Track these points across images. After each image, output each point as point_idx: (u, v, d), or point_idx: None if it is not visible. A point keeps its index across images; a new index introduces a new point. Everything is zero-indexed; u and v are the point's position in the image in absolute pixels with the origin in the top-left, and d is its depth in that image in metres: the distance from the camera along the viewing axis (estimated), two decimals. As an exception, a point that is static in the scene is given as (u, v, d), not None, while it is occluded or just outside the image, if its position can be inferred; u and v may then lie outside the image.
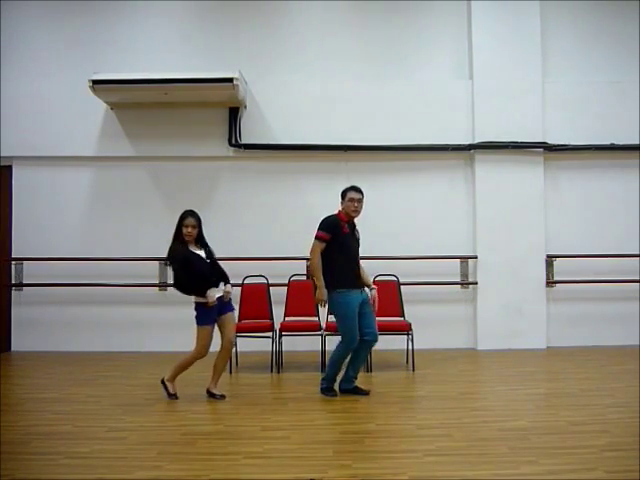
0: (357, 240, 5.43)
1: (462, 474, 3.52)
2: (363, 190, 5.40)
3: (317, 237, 5.24)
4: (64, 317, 7.68)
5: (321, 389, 5.36)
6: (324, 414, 4.82)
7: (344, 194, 5.35)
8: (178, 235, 5.29)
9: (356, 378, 5.40)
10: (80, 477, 3.52)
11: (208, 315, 5.14)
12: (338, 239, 5.23)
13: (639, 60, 7.90)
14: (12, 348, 7.75)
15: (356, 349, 5.29)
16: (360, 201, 5.33)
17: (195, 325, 5.18)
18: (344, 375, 5.39)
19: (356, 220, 5.45)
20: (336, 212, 5.38)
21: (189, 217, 5.28)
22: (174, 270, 5.21)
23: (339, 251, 5.23)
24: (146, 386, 5.69)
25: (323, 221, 5.30)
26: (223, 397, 5.24)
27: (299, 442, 4.12)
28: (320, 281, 5.20)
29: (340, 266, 5.21)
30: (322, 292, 5.19)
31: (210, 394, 5.26)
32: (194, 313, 5.18)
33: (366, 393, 5.32)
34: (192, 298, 5.18)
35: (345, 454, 3.87)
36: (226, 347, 5.27)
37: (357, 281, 5.32)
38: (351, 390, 5.34)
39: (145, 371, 6.51)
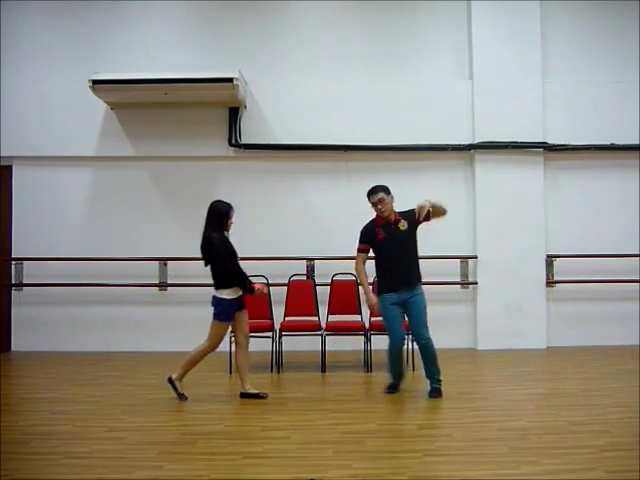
0: (403, 234, 5.34)
1: (462, 474, 3.52)
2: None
3: (357, 249, 5.43)
4: (64, 317, 7.68)
5: (390, 385, 5.45)
6: (324, 414, 4.82)
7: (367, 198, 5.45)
8: (221, 226, 5.32)
9: (437, 379, 5.30)
10: (80, 477, 3.52)
11: (230, 312, 5.22)
12: (374, 247, 5.36)
13: (639, 60, 7.90)
14: (12, 348, 7.75)
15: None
16: (381, 201, 5.33)
17: (211, 320, 5.25)
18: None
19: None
20: (374, 216, 5.47)
21: (233, 209, 5.41)
22: (223, 258, 5.19)
23: (377, 257, 5.38)
24: (146, 386, 5.69)
25: (361, 231, 5.46)
26: (266, 395, 5.28)
27: (299, 442, 4.12)
28: (365, 287, 5.38)
29: (380, 271, 5.37)
30: (369, 297, 5.34)
31: (248, 395, 5.24)
32: (212, 309, 5.25)
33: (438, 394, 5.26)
34: (215, 293, 5.23)
35: (345, 454, 3.87)
36: (245, 343, 5.34)
37: (397, 284, 5.28)
38: (434, 390, 5.31)
39: (145, 371, 6.51)
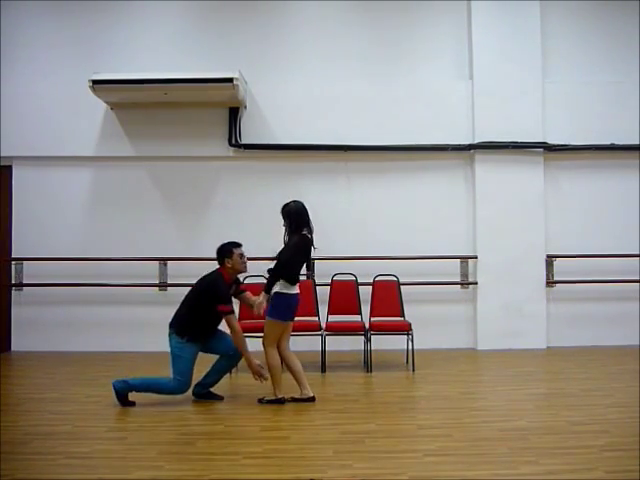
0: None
1: (462, 474, 3.52)
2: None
3: (229, 311, 5.07)
4: (64, 317, 7.68)
5: (122, 394, 5.07)
6: (324, 414, 4.81)
7: (230, 252, 5.24)
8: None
9: (211, 385, 5.32)
10: (80, 477, 3.52)
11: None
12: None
13: (639, 60, 7.91)
14: (12, 348, 7.75)
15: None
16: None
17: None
18: (202, 380, 5.30)
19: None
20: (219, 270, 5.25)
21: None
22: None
23: (209, 311, 5.11)
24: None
25: (223, 290, 5.14)
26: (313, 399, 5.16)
27: (299, 442, 4.12)
28: (252, 360, 5.09)
29: (200, 322, 5.16)
30: (255, 365, 5.08)
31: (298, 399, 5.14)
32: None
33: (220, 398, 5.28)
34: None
35: (345, 454, 3.87)
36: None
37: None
38: (204, 395, 5.29)
39: (145, 371, 6.48)
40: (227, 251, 5.25)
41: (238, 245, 5.33)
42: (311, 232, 5.20)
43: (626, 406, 4.87)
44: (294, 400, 5.12)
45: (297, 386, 5.19)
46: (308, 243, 5.18)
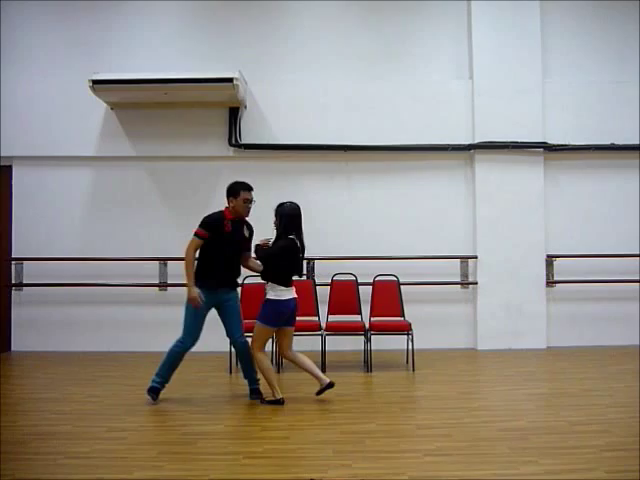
0: (244, 235, 5.24)
1: (462, 474, 3.53)
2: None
3: (196, 233, 5.06)
4: (64, 317, 7.68)
5: (151, 388, 5.15)
6: (324, 414, 4.82)
7: (237, 192, 5.13)
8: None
9: (255, 378, 5.31)
10: (80, 477, 3.53)
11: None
12: (216, 238, 5.06)
13: (639, 60, 7.91)
14: (12, 348, 7.74)
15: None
16: (253, 202, 5.18)
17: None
18: (243, 376, 5.36)
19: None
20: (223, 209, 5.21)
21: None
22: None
23: (212, 250, 5.08)
24: (146, 386, 5.68)
25: (206, 218, 5.13)
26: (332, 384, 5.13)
27: (299, 442, 4.12)
28: (190, 278, 5.00)
29: (208, 266, 5.09)
30: (192, 290, 4.99)
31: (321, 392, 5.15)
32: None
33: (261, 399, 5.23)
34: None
35: (345, 454, 3.87)
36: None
37: (221, 282, 5.14)
38: (254, 392, 5.31)
39: (145, 371, 6.46)
40: (235, 191, 5.15)
41: (249, 188, 5.18)
42: (300, 237, 5.11)
43: (626, 406, 4.87)
44: (320, 392, 5.11)
45: (309, 381, 5.23)
46: (295, 248, 5.08)
